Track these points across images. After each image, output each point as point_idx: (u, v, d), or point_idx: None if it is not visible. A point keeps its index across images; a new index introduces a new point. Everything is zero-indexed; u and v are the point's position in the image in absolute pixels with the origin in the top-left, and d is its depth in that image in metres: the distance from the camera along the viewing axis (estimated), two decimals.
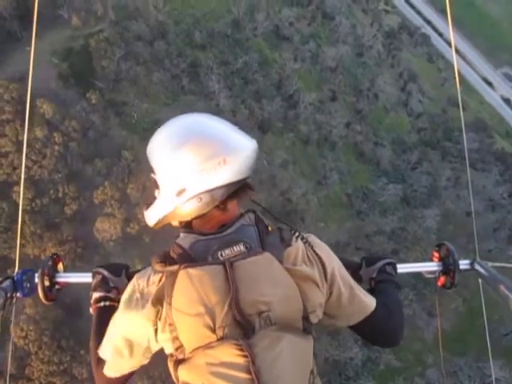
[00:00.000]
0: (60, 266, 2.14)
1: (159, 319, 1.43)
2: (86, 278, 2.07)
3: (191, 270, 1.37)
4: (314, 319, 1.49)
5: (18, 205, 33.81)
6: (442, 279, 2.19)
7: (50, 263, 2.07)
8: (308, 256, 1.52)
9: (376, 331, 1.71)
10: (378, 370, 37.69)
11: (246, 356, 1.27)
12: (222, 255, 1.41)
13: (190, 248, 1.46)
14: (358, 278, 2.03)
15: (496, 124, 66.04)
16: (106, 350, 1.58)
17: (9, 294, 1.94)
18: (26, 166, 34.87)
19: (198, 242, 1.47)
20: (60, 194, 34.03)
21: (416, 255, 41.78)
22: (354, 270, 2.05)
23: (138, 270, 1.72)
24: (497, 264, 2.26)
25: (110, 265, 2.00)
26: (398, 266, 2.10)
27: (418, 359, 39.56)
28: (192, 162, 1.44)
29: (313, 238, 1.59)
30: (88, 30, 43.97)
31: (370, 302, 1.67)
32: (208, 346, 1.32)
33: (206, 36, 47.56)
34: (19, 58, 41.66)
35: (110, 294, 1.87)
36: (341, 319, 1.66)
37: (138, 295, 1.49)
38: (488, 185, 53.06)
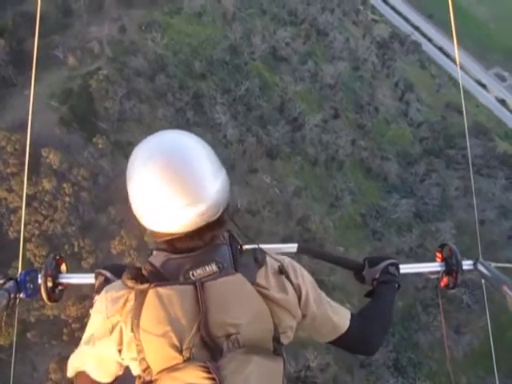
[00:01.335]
0: (63, 267, 2.11)
1: (126, 336, 1.37)
2: (88, 279, 2.05)
3: (161, 290, 1.32)
4: (284, 340, 1.46)
5: (32, 263, 31.88)
6: (445, 279, 2.16)
7: (53, 264, 2.06)
8: (279, 279, 1.48)
9: (351, 344, 1.71)
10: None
11: (213, 379, 1.23)
12: (193, 275, 1.37)
13: (161, 266, 1.41)
14: (360, 279, 2.06)
15: (494, 126, 65.40)
16: (78, 358, 1.55)
17: (12, 295, 1.91)
18: (37, 221, 32.89)
19: (170, 261, 1.42)
20: (76, 249, 32.04)
21: None
22: (357, 271, 2.06)
23: None
24: (500, 264, 2.21)
25: (112, 266, 1.98)
26: (401, 266, 2.06)
27: (450, 381, 38.22)
28: (165, 201, 1.34)
29: (288, 262, 1.56)
30: (85, 68, 42.01)
31: (343, 322, 1.65)
32: (174, 368, 1.28)
33: (205, 65, 45.93)
34: (17, 103, 39.56)
35: None
36: (317, 336, 1.67)
37: (104, 309, 1.43)
38: (496, 191, 52.22)
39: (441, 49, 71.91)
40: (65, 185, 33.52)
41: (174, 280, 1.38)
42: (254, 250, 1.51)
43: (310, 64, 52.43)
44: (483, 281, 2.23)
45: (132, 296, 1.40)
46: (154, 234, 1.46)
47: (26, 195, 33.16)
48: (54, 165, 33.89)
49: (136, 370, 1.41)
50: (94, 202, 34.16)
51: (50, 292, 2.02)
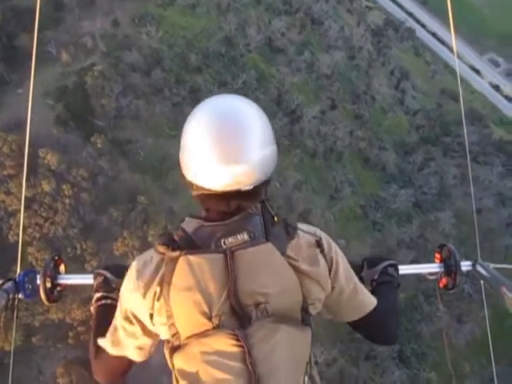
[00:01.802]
0: (62, 268, 2.11)
1: (157, 300, 1.40)
2: (87, 279, 2.04)
3: (191, 257, 1.35)
4: (312, 311, 1.47)
5: (33, 266, 31.30)
6: (444, 280, 2.16)
7: (51, 265, 2.06)
8: (312, 252, 1.48)
9: (374, 329, 1.70)
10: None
11: (241, 346, 1.25)
12: (224, 243, 1.38)
13: (193, 233, 1.43)
14: (359, 280, 1.91)
15: (489, 112, 65.24)
16: (110, 333, 1.56)
17: (11, 296, 1.91)
18: (37, 224, 32.20)
19: (202, 228, 1.44)
20: (78, 251, 31.45)
21: None
22: (355, 272, 1.91)
23: None
24: (498, 265, 2.22)
25: (111, 266, 1.97)
26: (400, 267, 2.06)
27: (454, 369, 38.47)
28: (211, 159, 1.37)
29: (320, 233, 1.56)
30: (79, 64, 40.86)
31: (370, 301, 1.66)
32: (203, 334, 1.29)
33: (201, 58, 44.92)
34: (11, 102, 38.48)
35: (112, 295, 1.84)
36: (339, 315, 1.66)
37: (136, 276, 1.44)
38: (494, 178, 52.25)
39: (434, 35, 71.34)
40: (64, 186, 32.75)
41: (206, 247, 1.39)
42: (285, 221, 1.49)
43: (306, 54, 51.60)
44: (482, 282, 2.24)
45: (163, 262, 1.41)
46: (190, 184, 1.48)
47: (25, 198, 32.46)
48: (52, 166, 33.08)
49: (165, 335, 1.43)
50: (95, 202, 33.48)
51: (49, 293, 2.01)
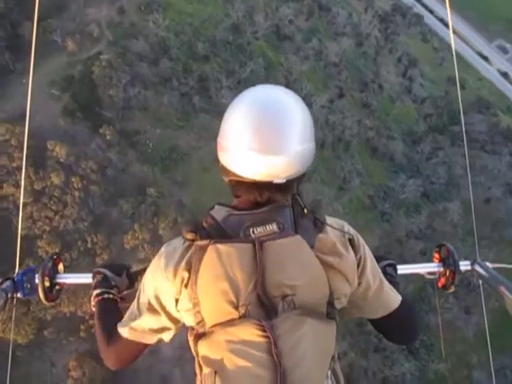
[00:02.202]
0: (60, 267, 2.11)
1: (185, 287, 1.40)
2: (86, 278, 2.03)
3: (220, 246, 1.34)
4: (338, 305, 1.47)
5: (43, 260, 31.06)
6: (443, 280, 2.17)
7: (50, 264, 2.05)
8: (340, 246, 1.47)
9: (396, 328, 1.70)
10: (427, 380, 36.66)
11: (267, 337, 1.24)
12: (253, 232, 1.38)
13: (222, 221, 1.43)
14: None
15: (496, 100, 64.29)
16: (129, 320, 1.56)
17: (9, 295, 1.91)
18: (47, 217, 31.88)
19: (232, 217, 1.43)
20: (89, 245, 31.20)
21: None
22: None
23: (139, 271, 1.86)
24: (497, 265, 2.21)
25: (111, 264, 1.97)
26: (399, 267, 2.05)
27: (462, 361, 38.61)
28: (253, 145, 1.36)
29: (348, 228, 1.56)
30: (85, 53, 40.08)
31: (396, 298, 1.66)
32: (229, 323, 1.29)
33: (208, 46, 44.08)
34: (16, 92, 37.83)
35: (112, 291, 1.84)
36: (364, 311, 1.64)
37: (164, 261, 1.45)
38: (502, 168, 51.80)
39: (442, 20, 70.04)
40: (73, 179, 32.36)
41: (234, 236, 1.39)
42: (314, 214, 1.48)
43: (314, 42, 50.66)
44: (480, 281, 2.21)
45: (191, 250, 1.41)
46: (223, 169, 1.48)
47: (34, 191, 32.15)
48: (61, 158, 32.63)
49: (189, 322, 1.42)
50: (104, 195, 33.12)
51: (48, 292, 2.00)
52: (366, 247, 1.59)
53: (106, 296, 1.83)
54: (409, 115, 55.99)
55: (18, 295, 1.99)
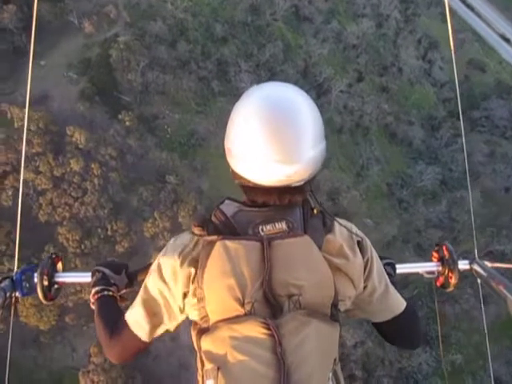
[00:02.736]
0: (59, 266, 2.09)
1: (192, 282, 1.40)
2: (85, 277, 2.02)
3: (229, 242, 1.34)
4: (341, 307, 1.46)
5: (65, 247, 31.01)
6: (441, 279, 2.16)
7: (49, 263, 2.03)
8: (348, 248, 1.46)
9: (399, 333, 1.68)
10: (442, 370, 36.64)
11: (272, 336, 1.23)
12: (262, 230, 1.38)
13: (232, 216, 1.42)
14: None
15: None
16: (135, 310, 1.55)
17: (8, 294, 1.91)
18: (67, 204, 31.65)
19: (241, 213, 1.43)
20: (109, 232, 30.99)
21: (470, 247, 39.93)
22: None
23: (138, 270, 1.86)
24: (496, 264, 2.21)
25: (110, 263, 1.96)
26: (397, 266, 2.06)
27: (478, 352, 38.48)
28: (264, 151, 1.34)
29: (356, 229, 1.55)
30: (102, 35, 39.17)
31: (401, 303, 1.65)
32: (234, 320, 1.28)
33: (226, 27, 42.97)
34: (33, 74, 37.14)
35: (111, 288, 1.83)
36: (368, 314, 1.63)
37: (171, 255, 1.44)
38: None
39: (464, 1, 67.83)
40: (93, 165, 31.95)
41: (243, 232, 1.39)
42: (323, 215, 1.48)
43: (333, 23, 49.22)
44: (479, 280, 2.21)
45: (199, 244, 1.41)
46: (235, 175, 1.45)
47: (53, 177, 31.86)
48: (80, 144, 32.18)
49: (193, 317, 1.42)
50: (123, 182, 32.74)
51: (46, 291, 1.98)
52: (374, 250, 1.58)
53: (105, 293, 1.81)
54: (428, 100, 54.74)
55: (17, 294, 1.98)
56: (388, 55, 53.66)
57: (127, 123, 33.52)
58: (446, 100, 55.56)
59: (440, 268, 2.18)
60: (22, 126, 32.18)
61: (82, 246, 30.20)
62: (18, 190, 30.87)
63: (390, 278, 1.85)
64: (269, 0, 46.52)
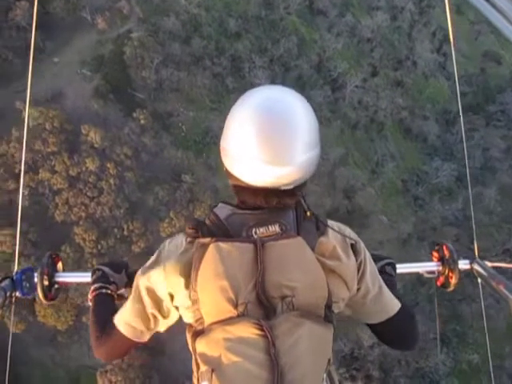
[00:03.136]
0: (59, 266, 2.09)
1: (186, 287, 1.39)
2: (85, 277, 2.02)
3: (222, 244, 1.33)
4: (335, 309, 1.46)
5: (82, 248, 30.88)
6: (442, 279, 2.16)
7: (49, 263, 2.03)
8: (341, 250, 1.47)
9: (394, 333, 1.68)
10: (459, 370, 36.34)
11: (265, 336, 1.23)
12: (256, 232, 1.39)
13: (225, 219, 1.43)
14: None
15: None
16: (124, 310, 1.56)
17: (8, 294, 1.91)
18: (83, 204, 31.44)
19: (235, 215, 1.44)
20: (125, 232, 30.75)
21: (487, 245, 39.36)
22: None
23: (138, 269, 1.79)
24: (496, 264, 2.20)
25: (110, 262, 1.97)
26: (398, 266, 2.03)
27: (495, 351, 38.08)
28: (258, 154, 1.34)
29: (349, 232, 1.55)
30: (115, 31, 38.63)
31: (395, 305, 1.64)
32: (228, 321, 1.28)
33: (240, 23, 42.22)
34: (47, 72, 36.79)
35: (110, 286, 1.84)
36: (362, 315, 1.64)
37: (165, 257, 1.45)
38: None
39: None
40: (108, 165, 31.65)
41: (237, 235, 1.39)
42: (316, 217, 1.48)
43: (348, 17, 48.29)
44: (479, 280, 2.19)
45: (193, 247, 1.40)
46: (229, 175, 1.46)
47: (69, 176, 31.63)
48: (95, 144, 31.86)
49: (188, 319, 1.42)
50: (139, 181, 32.45)
51: (47, 291, 1.97)
52: (367, 252, 1.57)
53: (103, 291, 1.80)
54: (443, 94, 53.74)
55: (17, 294, 1.96)
56: (403, 48, 52.67)
57: (142, 121, 33.09)
58: (462, 94, 54.48)
59: (440, 268, 2.18)
60: (38, 125, 31.95)
61: (99, 246, 30.02)
62: (35, 189, 30.76)
63: (390, 278, 1.88)
64: None
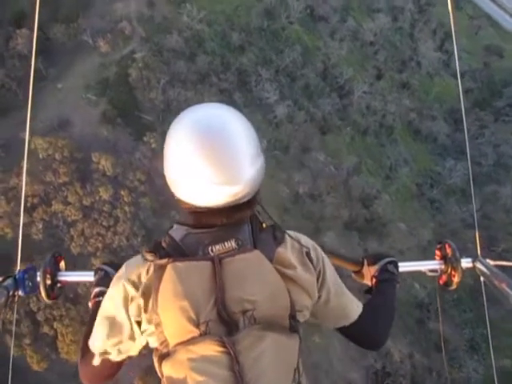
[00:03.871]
0: (62, 265, 2.08)
1: (145, 311, 1.36)
2: (87, 276, 2.01)
3: (179, 264, 1.31)
4: (300, 318, 1.44)
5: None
6: (444, 277, 2.14)
7: (51, 262, 2.02)
8: (299, 259, 1.45)
9: (360, 335, 1.68)
10: (492, 376, 35.36)
11: (228, 353, 1.22)
12: (212, 250, 1.36)
13: (181, 240, 1.41)
14: (359, 277, 2.02)
15: None
16: (94, 337, 1.49)
17: (10, 293, 1.89)
18: (99, 234, 30.50)
19: (190, 235, 1.41)
20: None
21: (509, 246, 38.45)
22: (355, 269, 2.01)
23: None
24: (498, 262, 2.19)
25: (113, 262, 1.95)
26: (400, 264, 2.02)
27: None
28: (202, 176, 1.30)
29: (306, 241, 1.53)
30: (119, 53, 37.67)
31: (356, 309, 1.64)
32: (190, 341, 1.26)
33: (243, 36, 41.29)
34: (50, 99, 35.85)
35: None
36: (326, 321, 1.64)
37: (124, 282, 1.39)
38: None
39: None
40: (122, 192, 30.70)
41: (193, 255, 1.36)
42: (273, 227, 1.46)
43: (349, 21, 47.41)
44: (482, 278, 2.17)
45: (151, 269, 1.37)
46: (180, 202, 1.40)
47: (83, 206, 30.69)
48: (107, 172, 30.90)
49: (153, 343, 1.38)
50: (154, 206, 31.52)
51: (49, 290, 1.97)
52: (326, 259, 1.56)
53: (101, 298, 1.65)
54: (449, 92, 52.74)
55: (19, 293, 1.92)
56: (406, 49, 51.81)
57: (153, 145, 32.13)
58: (468, 90, 53.59)
59: (443, 266, 2.14)
60: (47, 156, 31.03)
61: None
62: (49, 222, 29.82)
63: (392, 277, 1.89)
64: (283, 2, 44.74)
